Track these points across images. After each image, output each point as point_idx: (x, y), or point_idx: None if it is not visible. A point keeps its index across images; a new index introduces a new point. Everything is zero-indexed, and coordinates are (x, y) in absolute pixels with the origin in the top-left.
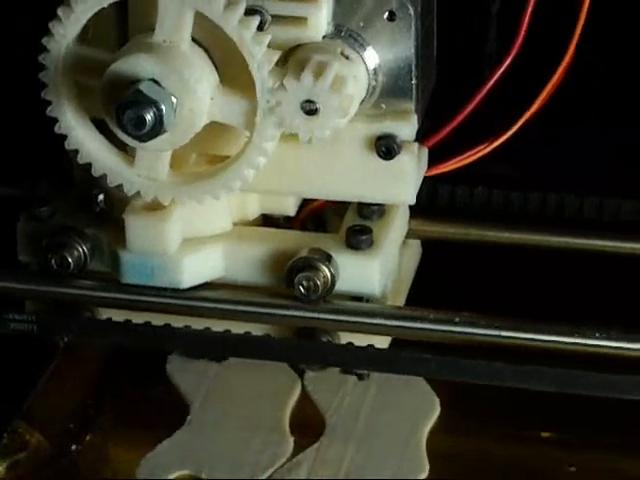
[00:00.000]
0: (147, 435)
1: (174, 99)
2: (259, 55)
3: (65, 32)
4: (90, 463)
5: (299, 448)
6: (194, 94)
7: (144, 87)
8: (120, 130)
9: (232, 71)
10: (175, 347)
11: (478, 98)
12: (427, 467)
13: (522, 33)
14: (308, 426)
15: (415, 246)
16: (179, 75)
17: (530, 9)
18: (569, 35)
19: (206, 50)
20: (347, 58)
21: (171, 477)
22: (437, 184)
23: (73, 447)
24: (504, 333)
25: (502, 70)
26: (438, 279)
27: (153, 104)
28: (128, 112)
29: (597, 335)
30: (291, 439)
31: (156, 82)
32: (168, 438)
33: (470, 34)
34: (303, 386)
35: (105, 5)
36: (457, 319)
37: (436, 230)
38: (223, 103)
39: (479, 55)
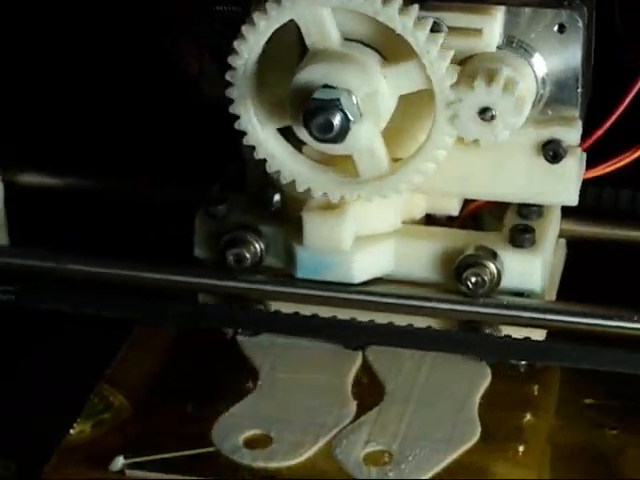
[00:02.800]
0: (219, 401)
1: (356, 101)
2: (442, 72)
3: (249, 49)
4: (167, 424)
5: (361, 411)
6: (378, 116)
7: (329, 94)
8: (307, 135)
9: (394, 49)
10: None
11: (626, 102)
12: (479, 430)
13: None
14: (369, 392)
15: (562, 245)
16: (372, 95)
17: None
18: None
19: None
20: (518, 67)
21: (243, 436)
22: (585, 187)
23: (152, 410)
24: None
25: None
26: (582, 276)
27: (344, 114)
28: (317, 118)
29: None
30: (354, 403)
31: (350, 94)
32: (240, 401)
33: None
34: (364, 356)
35: (287, 19)
36: (613, 314)
37: (582, 230)
38: (398, 76)
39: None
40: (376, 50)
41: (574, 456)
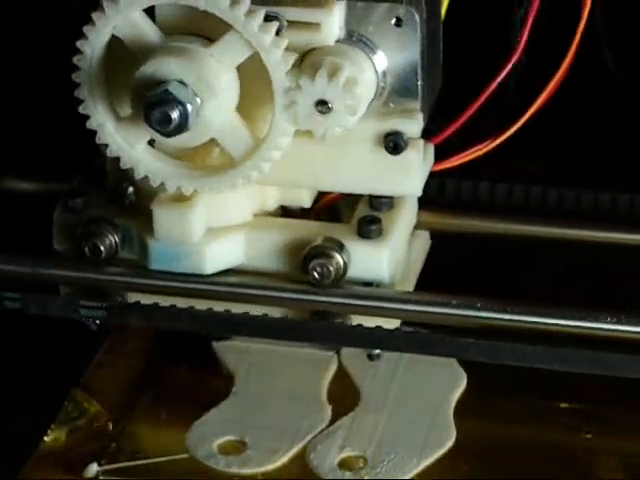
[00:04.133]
0: (195, 406)
1: (198, 99)
2: (277, 58)
3: (98, 35)
4: (142, 431)
5: (336, 416)
6: (216, 94)
7: (171, 87)
8: (148, 126)
9: (252, 72)
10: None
11: (482, 98)
12: (454, 435)
13: (526, 31)
14: (344, 397)
15: (424, 236)
16: (202, 76)
17: (534, 9)
18: (572, 34)
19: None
20: (358, 61)
21: (217, 442)
22: (444, 179)
23: (127, 416)
24: (500, 315)
25: (505, 71)
26: (446, 267)
27: (179, 103)
28: (156, 110)
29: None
30: (329, 408)
31: (182, 83)
32: (215, 407)
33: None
34: (339, 361)
35: (135, 10)
36: (461, 303)
37: (444, 222)
38: (222, 50)
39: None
40: (201, 36)
41: (548, 459)
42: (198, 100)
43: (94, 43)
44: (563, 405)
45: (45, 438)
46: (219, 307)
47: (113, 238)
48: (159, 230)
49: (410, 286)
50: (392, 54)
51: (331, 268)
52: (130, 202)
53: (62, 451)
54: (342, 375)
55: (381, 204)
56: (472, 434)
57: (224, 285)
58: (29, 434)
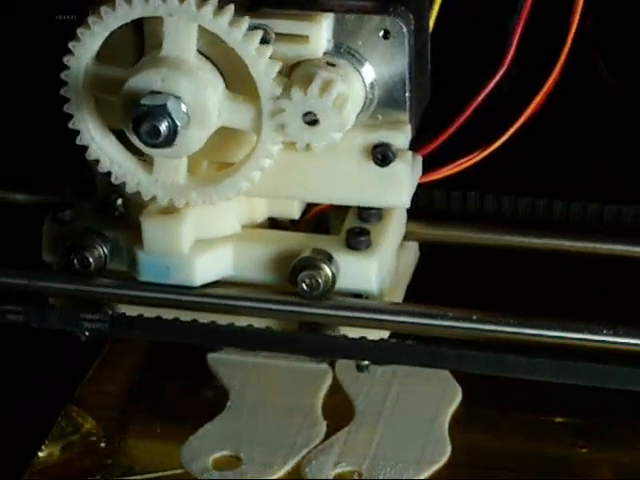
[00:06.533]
0: (190, 421)
1: (185, 108)
2: (262, 66)
3: (84, 50)
4: (137, 446)
5: (331, 431)
6: (203, 102)
7: (157, 100)
8: (137, 140)
9: (238, 79)
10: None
11: (470, 109)
12: (449, 449)
13: (514, 44)
14: (339, 411)
15: (413, 248)
16: (188, 86)
17: (522, 22)
18: (560, 45)
19: (212, 61)
20: (345, 73)
21: (212, 457)
22: (433, 190)
23: (122, 431)
24: (490, 327)
25: (493, 83)
26: (435, 278)
27: (166, 114)
28: (144, 124)
29: (604, 331)
30: (324, 423)
31: (168, 95)
32: (210, 422)
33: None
34: (334, 375)
35: (120, 24)
36: (450, 314)
37: (432, 233)
38: (231, 109)
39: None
40: (220, 72)
41: (543, 473)
42: (184, 108)
43: (81, 58)
44: (558, 419)
45: (39, 454)
46: (209, 319)
47: (102, 250)
48: (148, 242)
49: (399, 297)
50: (380, 66)
51: (320, 280)
52: (119, 213)
53: (56, 467)
54: (337, 389)
55: (370, 215)
56: (467, 448)
57: (213, 297)
58: (23, 450)
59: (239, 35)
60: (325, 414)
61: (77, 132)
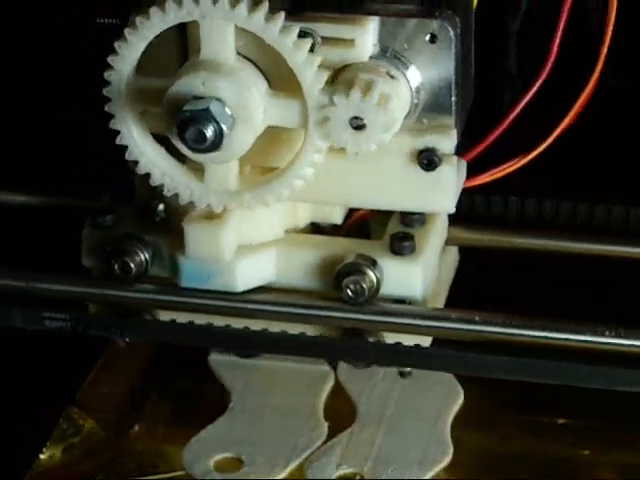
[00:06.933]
0: (192, 422)
1: (229, 110)
2: (311, 75)
3: (123, 63)
4: (138, 448)
5: (333, 433)
6: (246, 102)
7: (199, 104)
8: (184, 147)
9: (282, 79)
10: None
11: (515, 112)
12: (451, 451)
13: (554, 50)
14: (341, 413)
15: (453, 252)
16: (229, 87)
17: (562, 25)
18: (597, 52)
19: (254, 63)
20: (392, 77)
21: (214, 459)
22: (474, 195)
23: (123, 433)
24: (528, 332)
25: (535, 88)
26: (476, 284)
27: (211, 118)
28: (189, 129)
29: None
30: (325, 424)
31: (211, 98)
32: (211, 424)
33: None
34: (336, 377)
35: (157, 33)
36: (494, 320)
37: (473, 238)
38: (276, 107)
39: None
40: (263, 73)
41: (546, 475)
42: (229, 111)
43: (126, 59)
44: (561, 421)
45: (40, 456)
46: (251, 325)
47: (143, 255)
48: (190, 247)
49: (441, 303)
50: (426, 70)
51: (365, 285)
52: (161, 219)
53: (57, 469)
54: (339, 391)
55: (413, 220)
56: (469, 450)
57: (255, 303)
58: (24, 452)
59: (275, 31)
60: (327, 416)
61: (117, 133)
